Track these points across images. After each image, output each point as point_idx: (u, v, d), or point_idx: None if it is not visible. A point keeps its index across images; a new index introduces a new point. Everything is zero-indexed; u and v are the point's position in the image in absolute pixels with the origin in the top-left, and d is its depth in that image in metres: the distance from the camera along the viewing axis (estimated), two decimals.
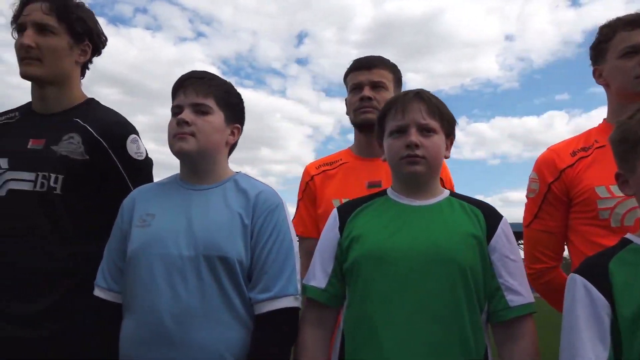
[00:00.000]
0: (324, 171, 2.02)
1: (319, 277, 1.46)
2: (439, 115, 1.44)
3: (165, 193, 1.52)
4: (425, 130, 1.41)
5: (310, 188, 2.00)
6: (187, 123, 1.43)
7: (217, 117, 1.49)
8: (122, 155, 1.67)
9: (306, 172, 2.06)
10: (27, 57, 1.62)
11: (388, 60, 2.00)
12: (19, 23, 1.65)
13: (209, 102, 1.48)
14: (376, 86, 1.94)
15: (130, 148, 1.68)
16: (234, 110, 1.56)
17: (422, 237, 1.36)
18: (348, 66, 2.04)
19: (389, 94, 1.93)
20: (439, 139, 1.44)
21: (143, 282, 1.36)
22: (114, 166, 1.66)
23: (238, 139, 1.60)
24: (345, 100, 2.08)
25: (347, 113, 2.05)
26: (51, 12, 1.63)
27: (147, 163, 1.75)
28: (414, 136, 1.40)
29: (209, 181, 1.51)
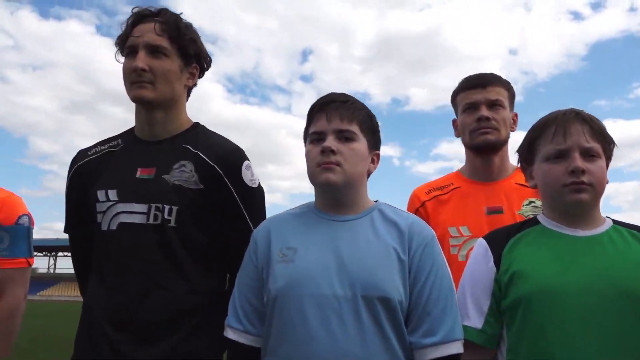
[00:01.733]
0: (435, 196, 1.90)
1: (473, 317, 1.34)
2: (602, 138, 1.32)
3: (304, 224, 1.38)
4: (589, 155, 1.30)
5: (422, 214, 1.84)
6: (332, 152, 1.31)
7: (362, 144, 1.37)
8: (238, 183, 1.55)
9: (416, 197, 1.93)
10: (139, 81, 1.51)
11: (501, 77, 1.87)
12: (129, 45, 1.54)
13: (353, 128, 1.35)
14: (493, 105, 1.81)
15: (245, 175, 1.56)
16: (376, 135, 1.44)
17: (598, 270, 1.25)
18: (457, 85, 1.91)
19: (506, 112, 1.82)
20: (603, 163, 1.32)
21: (293, 324, 1.23)
22: (230, 195, 1.53)
23: (377, 166, 1.46)
24: (454, 121, 1.96)
25: (459, 135, 1.92)
26: (163, 33, 1.53)
27: (260, 190, 1.63)
28: (579, 161, 1.28)
29: (353, 211, 1.38)
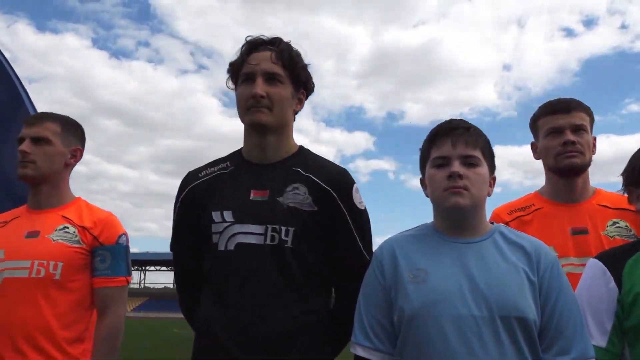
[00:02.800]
0: (518, 217, 1.95)
1: (596, 336, 1.40)
2: None
3: (429, 247, 1.44)
4: None
5: None
6: (460, 177, 1.37)
7: (485, 169, 1.43)
8: (349, 205, 1.60)
9: (498, 217, 1.98)
10: (257, 106, 1.57)
11: (582, 102, 1.95)
12: (246, 72, 1.61)
13: (477, 153, 1.42)
14: (577, 129, 1.87)
15: (355, 197, 1.62)
16: (493, 160, 1.51)
17: None
18: (538, 110, 1.99)
19: (589, 136, 1.89)
20: None
21: (432, 343, 1.28)
22: (342, 216, 1.58)
23: (493, 190, 1.52)
24: (533, 144, 2.03)
25: (539, 157, 2.00)
26: (278, 61, 1.60)
27: (367, 213, 1.68)
28: None
29: (476, 234, 1.43)
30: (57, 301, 1.82)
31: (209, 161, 1.77)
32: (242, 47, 1.66)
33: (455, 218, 1.44)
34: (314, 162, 1.67)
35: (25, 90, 2.54)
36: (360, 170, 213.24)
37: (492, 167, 1.49)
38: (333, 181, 1.60)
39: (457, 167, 1.39)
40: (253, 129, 1.63)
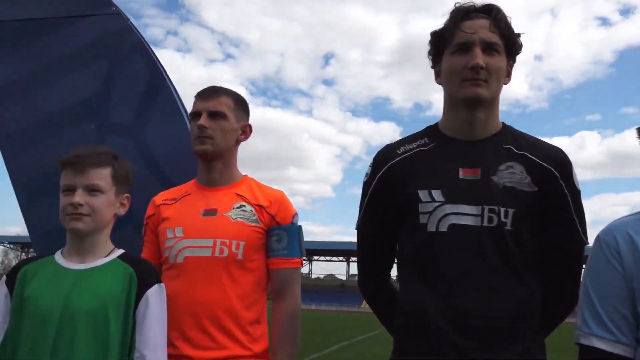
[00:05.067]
0: None
1: None
2: None
3: None
4: None
5: None
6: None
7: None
8: (571, 185, 1.51)
9: None
10: (475, 78, 1.47)
11: None
12: (462, 42, 1.51)
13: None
14: None
15: (575, 178, 1.53)
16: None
17: None
18: None
19: None
20: None
21: None
22: (564, 197, 1.49)
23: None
24: None
25: None
26: (496, 29, 1.50)
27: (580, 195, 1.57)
28: None
29: None
30: (239, 281, 1.78)
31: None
32: (452, 14, 1.56)
33: None
34: (525, 139, 1.58)
35: (164, 70, 2.52)
36: None
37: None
38: (553, 159, 1.51)
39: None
40: (466, 104, 1.54)
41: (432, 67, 1.68)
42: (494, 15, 1.52)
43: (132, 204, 1.78)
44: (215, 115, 1.87)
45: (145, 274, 1.59)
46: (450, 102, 1.60)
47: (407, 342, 1.52)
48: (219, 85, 1.97)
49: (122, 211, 1.67)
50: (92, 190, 1.56)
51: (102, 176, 1.59)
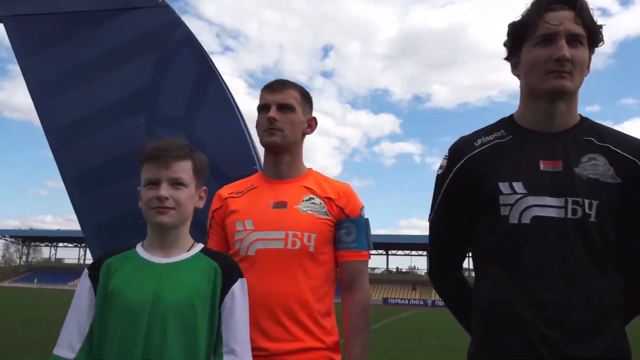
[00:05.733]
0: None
1: None
2: None
3: None
4: None
5: None
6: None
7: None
8: None
9: None
10: (560, 70, 1.47)
11: None
12: (546, 33, 1.50)
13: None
14: None
15: None
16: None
17: None
18: None
19: None
20: None
21: None
22: None
23: None
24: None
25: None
26: (580, 21, 1.50)
27: None
28: None
29: None
30: (311, 274, 1.79)
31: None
32: (534, 5, 1.55)
33: None
34: (606, 131, 1.58)
35: (213, 63, 2.51)
36: (386, 154, 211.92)
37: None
38: (637, 151, 1.51)
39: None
40: (549, 96, 1.53)
41: (506, 59, 1.68)
42: (579, 6, 1.51)
43: None
44: (284, 107, 1.87)
45: (229, 268, 1.59)
46: (529, 93, 1.60)
47: (490, 333, 1.52)
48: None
49: (200, 204, 1.66)
50: (176, 183, 1.55)
51: (185, 169, 1.58)
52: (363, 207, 1.93)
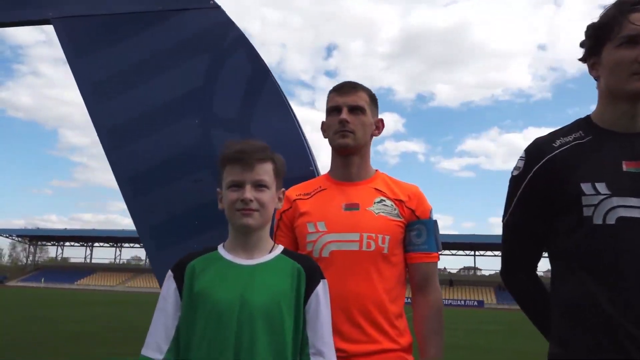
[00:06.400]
0: None
1: None
2: None
3: None
4: None
5: None
6: None
7: None
8: None
9: None
10: None
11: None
12: (632, 34, 1.49)
13: None
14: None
15: None
16: None
17: None
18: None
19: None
20: None
21: None
22: None
23: None
24: None
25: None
26: None
27: None
28: None
29: None
30: (385, 275, 1.79)
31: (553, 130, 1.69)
32: (617, 6, 1.54)
33: None
34: None
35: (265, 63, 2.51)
36: (390, 152, 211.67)
37: None
38: None
39: None
40: (633, 97, 1.53)
41: (582, 60, 1.67)
42: None
43: None
44: (355, 109, 1.87)
45: (312, 269, 1.58)
46: (608, 94, 1.59)
47: (576, 335, 1.51)
48: None
49: (279, 205, 1.66)
50: (259, 185, 1.55)
51: (267, 171, 1.58)
52: (431, 209, 1.92)
